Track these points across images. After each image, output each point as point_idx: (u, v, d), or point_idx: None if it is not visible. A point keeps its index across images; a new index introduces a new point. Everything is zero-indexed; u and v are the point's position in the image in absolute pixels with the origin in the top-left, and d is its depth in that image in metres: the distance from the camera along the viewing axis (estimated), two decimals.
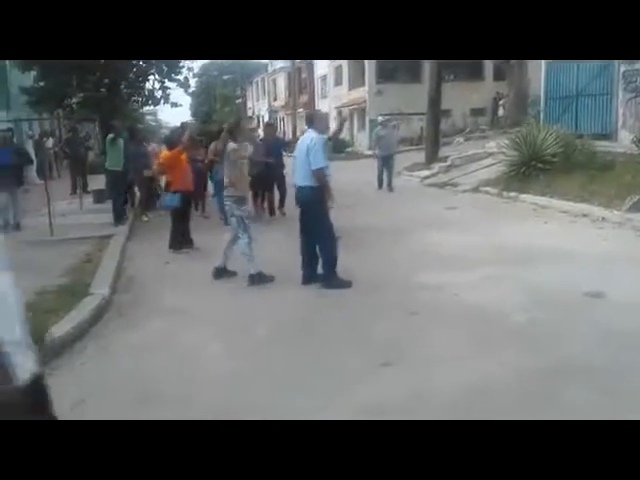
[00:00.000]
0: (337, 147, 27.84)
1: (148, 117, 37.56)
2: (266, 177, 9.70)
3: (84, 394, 3.66)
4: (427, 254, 6.90)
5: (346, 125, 31.25)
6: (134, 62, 13.70)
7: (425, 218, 9.38)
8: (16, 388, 1.50)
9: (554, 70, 14.18)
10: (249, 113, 51.49)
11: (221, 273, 6.31)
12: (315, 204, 5.69)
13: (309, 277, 5.89)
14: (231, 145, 6.22)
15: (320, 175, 5.61)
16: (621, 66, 12.31)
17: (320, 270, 5.85)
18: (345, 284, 5.70)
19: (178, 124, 14.53)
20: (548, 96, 14.50)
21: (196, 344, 4.57)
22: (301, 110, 37.97)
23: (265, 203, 10.30)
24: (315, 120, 5.98)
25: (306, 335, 4.67)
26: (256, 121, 47.13)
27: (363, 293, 5.58)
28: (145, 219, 10.35)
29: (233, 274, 6.29)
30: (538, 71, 15.31)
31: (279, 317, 5.11)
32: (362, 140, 27.58)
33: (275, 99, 45.03)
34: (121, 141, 9.71)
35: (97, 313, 5.21)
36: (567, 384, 3.58)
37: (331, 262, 5.75)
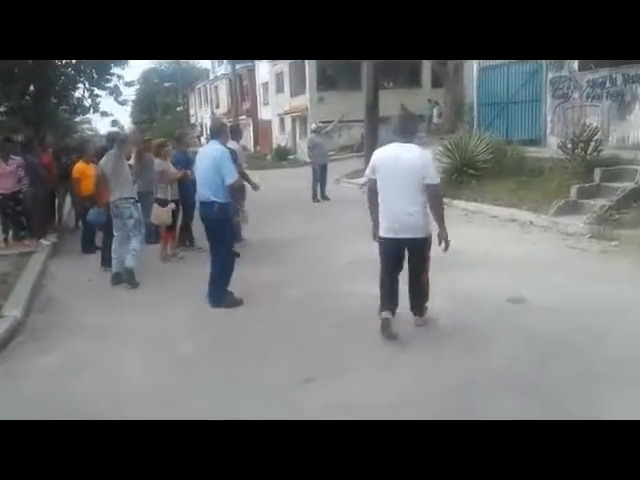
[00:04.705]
0: (279, 155, 27.82)
1: (85, 126, 36.42)
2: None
3: None
4: (358, 262, 6.85)
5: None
6: (62, 69, 13.21)
7: (360, 225, 9.35)
8: None
9: (485, 77, 14.49)
10: (192, 120, 50.82)
11: (119, 278, 6.56)
12: (222, 221, 5.52)
13: None
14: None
15: (235, 187, 5.53)
16: (549, 73, 12.71)
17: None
18: (236, 302, 5.56)
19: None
20: (480, 102, 14.81)
21: (116, 363, 4.41)
22: (243, 117, 37.80)
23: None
24: (221, 131, 5.85)
25: (227, 350, 4.58)
26: (199, 129, 46.62)
27: (291, 304, 5.50)
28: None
29: (135, 284, 6.43)
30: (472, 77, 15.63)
31: (199, 331, 5.03)
32: (304, 148, 27.53)
33: (217, 106, 44.54)
34: None
35: (7, 336, 4.93)
36: (487, 388, 3.59)
37: (224, 280, 5.62)
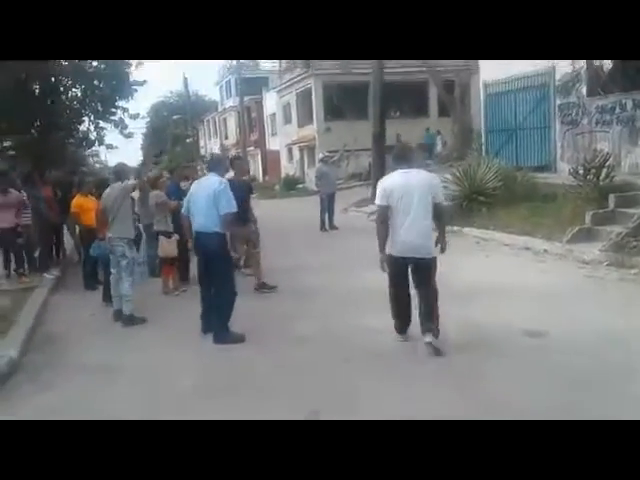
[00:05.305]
0: (288, 185, 27.81)
1: (95, 159, 36.67)
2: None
3: None
4: (367, 292, 6.63)
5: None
6: (67, 103, 13.23)
7: (369, 255, 9.16)
8: None
9: (492, 103, 14.42)
10: (202, 152, 51.25)
11: (120, 314, 6.30)
12: (221, 252, 5.33)
13: (208, 326, 5.55)
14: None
15: (230, 219, 5.32)
16: (557, 99, 12.61)
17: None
18: (238, 338, 5.30)
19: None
20: (488, 129, 14.72)
21: (115, 404, 4.17)
22: (252, 148, 38.03)
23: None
24: (218, 164, 5.81)
25: (232, 389, 4.34)
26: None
27: (298, 337, 5.29)
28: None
29: (140, 322, 6.20)
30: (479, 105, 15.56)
31: (203, 370, 4.81)
32: (312, 177, 27.59)
33: (226, 137, 44.91)
34: None
35: (2, 376, 4.73)
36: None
37: (225, 316, 5.38)
